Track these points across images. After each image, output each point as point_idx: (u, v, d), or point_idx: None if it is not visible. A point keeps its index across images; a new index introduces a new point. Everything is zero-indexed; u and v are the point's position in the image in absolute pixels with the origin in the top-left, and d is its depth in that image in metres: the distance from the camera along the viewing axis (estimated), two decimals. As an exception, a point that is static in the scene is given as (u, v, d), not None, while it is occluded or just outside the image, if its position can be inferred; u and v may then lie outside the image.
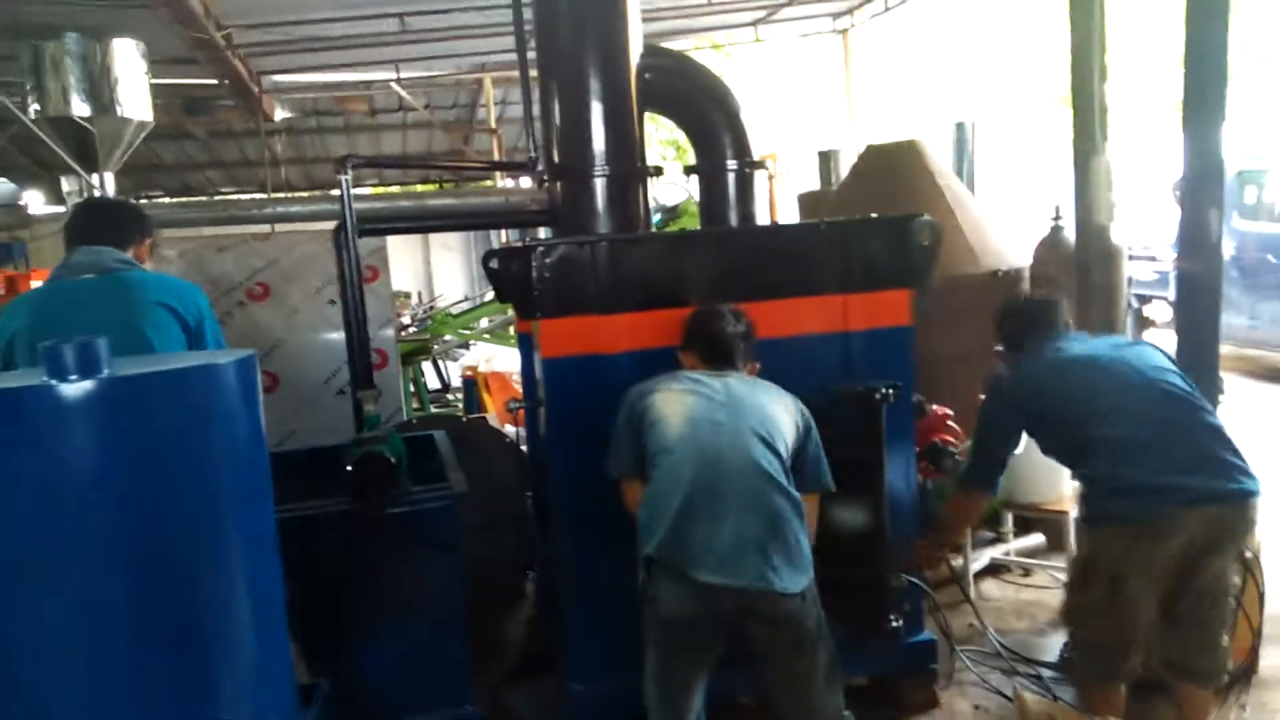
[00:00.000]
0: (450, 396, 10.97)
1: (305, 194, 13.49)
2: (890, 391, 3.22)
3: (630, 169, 3.86)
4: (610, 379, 3.14)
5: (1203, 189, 3.93)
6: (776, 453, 2.63)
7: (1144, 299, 10.13)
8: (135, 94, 5.94)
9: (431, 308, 12.66)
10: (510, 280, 3.30)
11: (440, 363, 11.06)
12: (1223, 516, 2.86)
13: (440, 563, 3.15)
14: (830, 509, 3.32)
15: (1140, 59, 16.69)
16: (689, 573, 2.50)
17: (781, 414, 2.74)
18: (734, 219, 3.99)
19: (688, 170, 4.18)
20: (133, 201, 3.06)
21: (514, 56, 4.23)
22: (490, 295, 11.13)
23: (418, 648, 3.14)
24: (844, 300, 3.37)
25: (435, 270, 19.44)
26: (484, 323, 9.51)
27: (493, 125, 12.20)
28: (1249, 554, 3.42)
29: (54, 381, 1.47)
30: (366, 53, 9.72)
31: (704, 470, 2.57)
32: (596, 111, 3.77)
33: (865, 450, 3.26)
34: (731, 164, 3.97)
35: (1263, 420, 7.49)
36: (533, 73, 4.10)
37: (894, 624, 3.37)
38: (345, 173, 3.38)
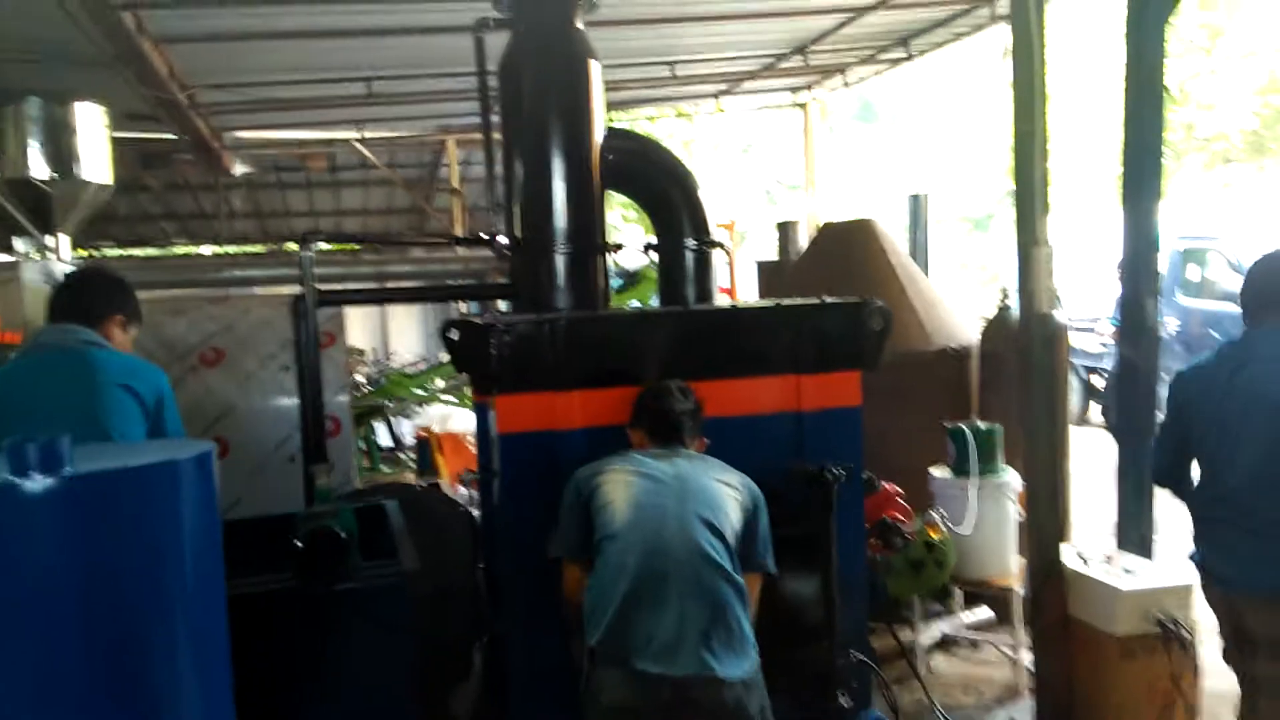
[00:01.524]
0: (403, 455, 10.87)
1: (262, 252, 13.41)
2: (842, 472, 3.27)
3: (591, 245, 3.92)
4: (566, 455, 3.17)
5: (1140, 274, 4.09)
6: (721, 537, 2.64)
7: (1091, 369, 10.40)
8: (95, 157, 5.92)
9: (386, 366, 12.59)
10: (469, 354, 3.32)
11: (392, 420, 10.98)
12: None
13: (389, 641, 3.11)
14: (781, 586, 3.35)
15: (1083, 131, 17.30)
16: (630, 662, 2.50)
17: (728, 495, 2.76)
18: (691, 295, 4.06)
19: (647, 248, 4.25)
20: (115, 276, 3.04)
21: (475, 119, 4.30)
22: (446, 357, 11.14)
23: (365, 722, 3.08)
24: (797, 380, 3.44)
25: (391, 326, 19.33)
26: (439, 383, 9.48)
27: (455, 185, 12.28)
28: (1186, 634, 3.51)
29: (16, 479, 1.47)
30: (331, 113, 9.78)
31: (648, 558, 2.58)
32: (559, 189, 3.83)
33: (817, 529, 3.30)
34: (689, 242, 4.06)
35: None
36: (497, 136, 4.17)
37: (843, 701, 3.38)
38: (308, 249, 3.40)
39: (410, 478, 8.76)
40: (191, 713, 1.67)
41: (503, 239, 4.05)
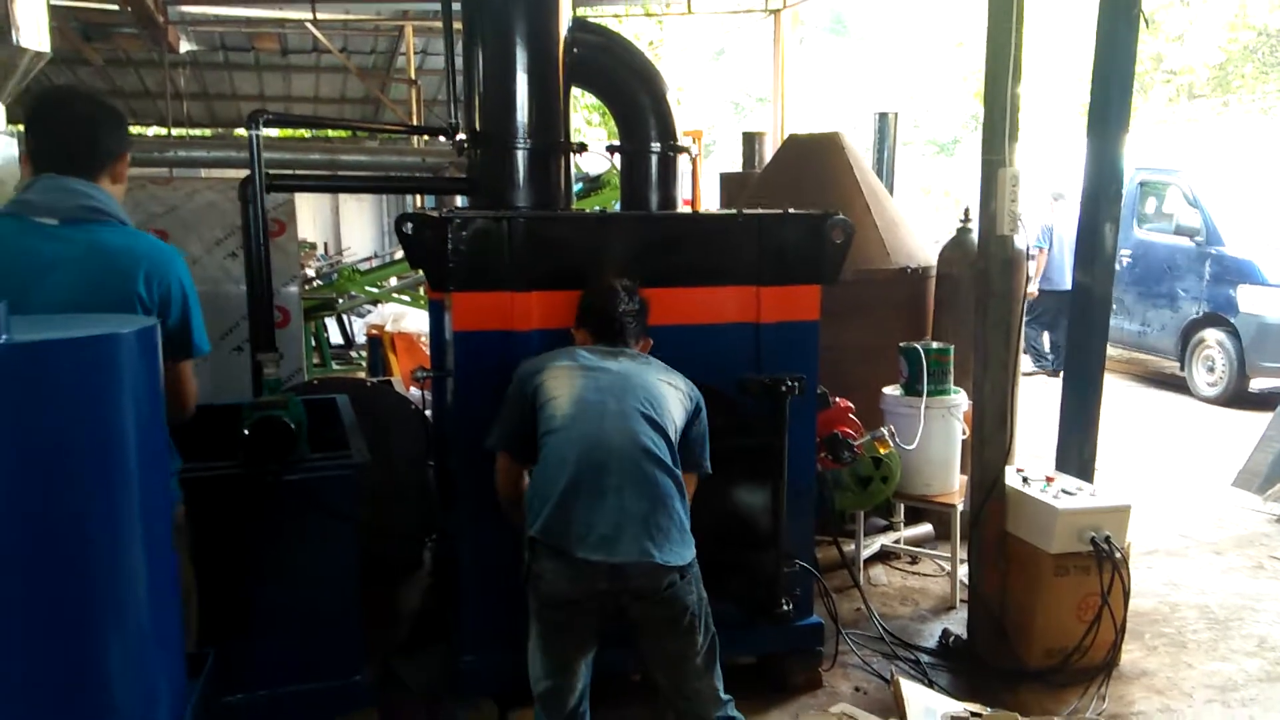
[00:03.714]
0: (354, 354, 10.76)
1: (209, 135, 12.94)
2: (796, 384, 3.28)
3: (553, 142, 3.80)
4: (521, 355, 3.12)
5: (1100, 201, 4.10)
6: (663, 432, 2.65)
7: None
8: (32, 22, 5.57)
9: (338, 261, 12.36)
10: (424, 249, 3.24)
11: (345, 318, 10.82)
12: None
13: (336, 531, 3.10)
14: (731, 493, 3.40)
15: (1051, 63, 17.19)
16: (570, 551, 2.52)
17: (669, 394, 2.76)
18: (655, 201, 3.98)
19: (611, 149, 4.14)
20: (107, 100, 2.58)
21: (437, 7, 4.10)
22: (400, 254, 10.94)
23: (310, 616, 3.09)
24: (756, 291, 3.41)
25: (344, 220, 18.93)
26: (393, 281, 9.32)
27: (412, 75, 11.89)
28: (1118, 554, 3.63)
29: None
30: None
31: (589, 451, 2.58)
32: (522, 81, 3.69)
33: (768, 440, 3.33)
34: (655, 145, 3.95)
35: (1144, 423, 7.91)
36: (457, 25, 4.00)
37: (785, 607, 3.46)
38: (256, 128, 3.25)
39: (361, 376, 8.68)
40: (133, 591, 1.64)
41: (461, 132, 3.91)
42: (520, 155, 3.74)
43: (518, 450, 2.82)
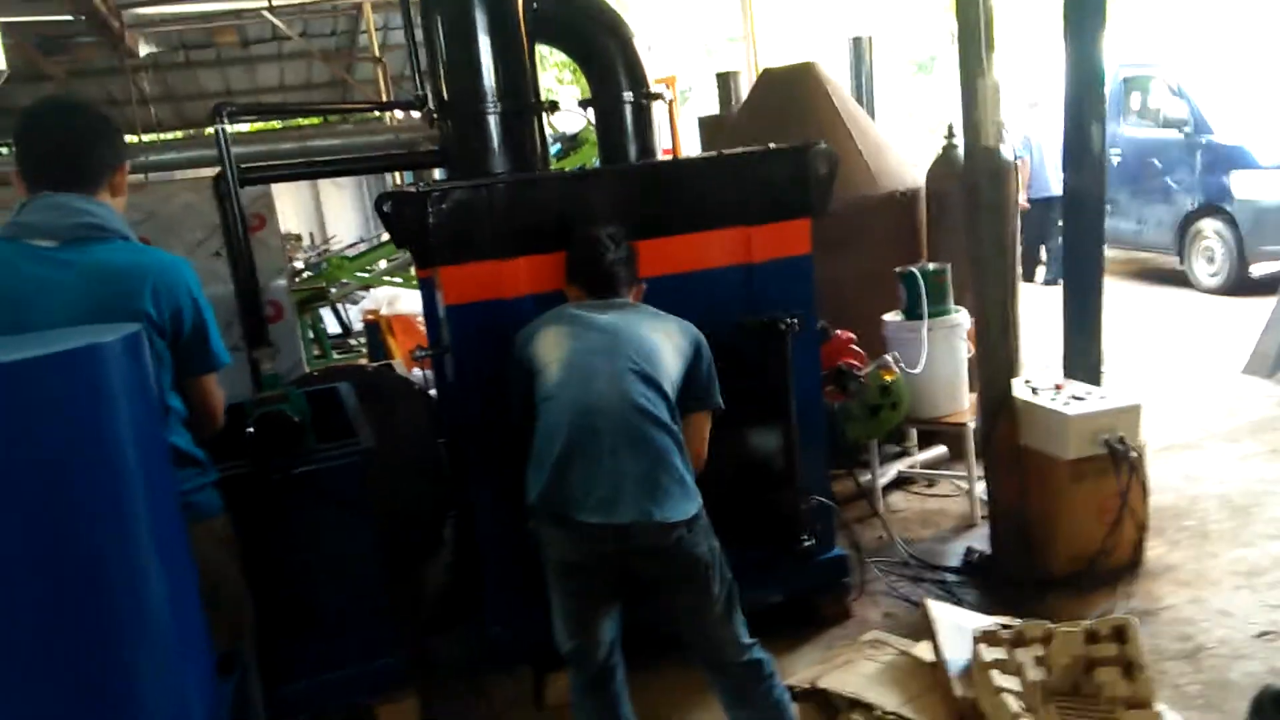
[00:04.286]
0: (353, 342, 10.71)
1: (180, 137, 12.79)
2: (795, 321, 3.25)
3: (524, 104, 3.74)
4: (515, 323, 3.08)
5: (1084, 100, 4.03)
6: (656, 386, 2.59)
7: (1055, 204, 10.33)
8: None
9: (325, 250, 12.27)
10: (406, 227, 3.20)
11: (340, 307, 10.76)
12: None
13: (352, 520, 3.10)
14: (742, 437, 3.39)
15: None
16: (570, 516, 2.50)
17: (663, 343, 2.69)
18: (632, 152, 3.93)
19: (584, 104, 4.08)
20: (95, 107, 2.47)
21: None
22: (385, 236, 10.85)
23: (336, 605, 3.11)
24: (745, 232, 3.37)
25: (326, 209, 18.80)
26: (382, 264, 9.25)
27: (376, 54, 11.71)
28: (1134, 453, 3.62)
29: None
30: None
31: (581, 415, 2.54)
32: (484, 44, 3.62)
33: (773, 380, 3.31)
34: (628, 95, 3.90)
35: (1148, 321, 7.88)
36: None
37: (807, 543, 3.48)
38: (222, 121, 3.19)
39: (363, 363, 8.65)
40: (154, 598, 1.63)
41: (430, 103, 3.85)
42: (492, 121, 3.70)
43: (530, 421, 2.78)
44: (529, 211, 3.20)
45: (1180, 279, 9.13)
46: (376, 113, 8.94)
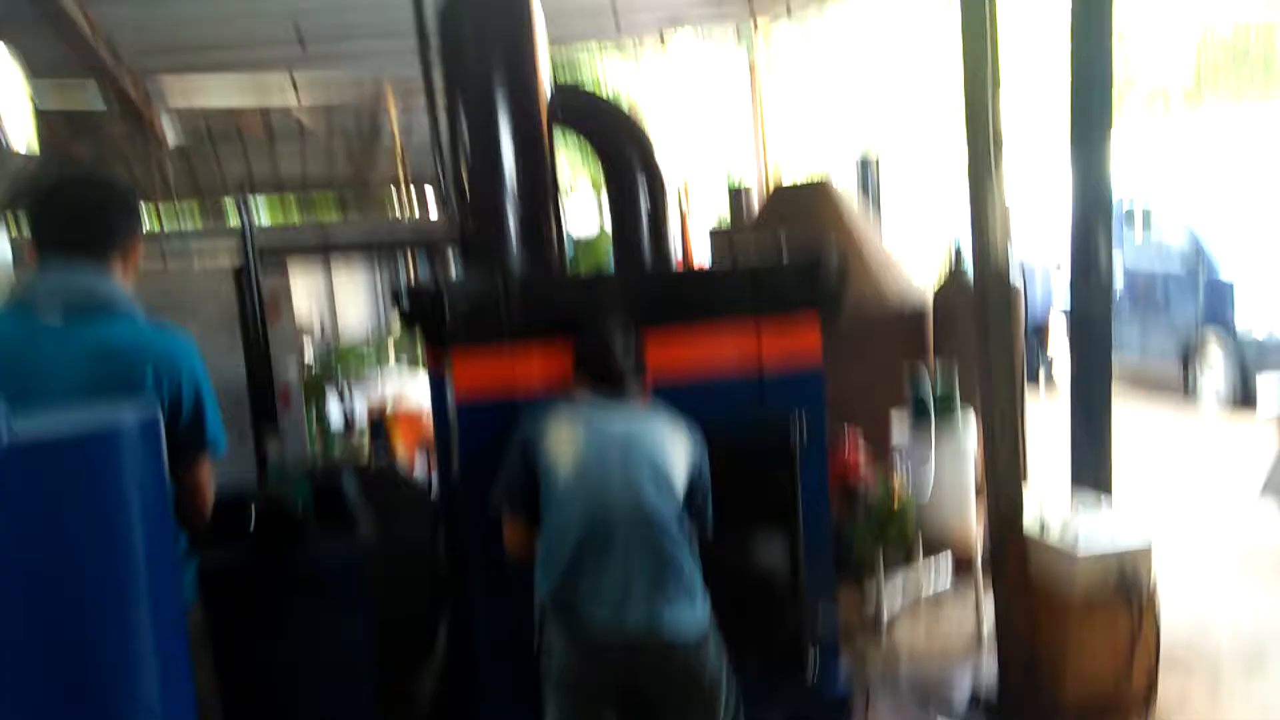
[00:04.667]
0: (356, 436, 10.69)
1: (201, 223, 13.05)
2: (804, 430, 3.24)
3: (543, 205, 3.81)
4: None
5: (1091, 224, 4.06)
6: (669, 491, 2.59)
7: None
8: (19, 124, 5.64)
9: (334, 342, 12.36)
10: (423, 319, 3.22)
11: (344, 400, 10.77)
12: None
13: (348, 616, 3.03)
14: (748, 548, 3.33)
15: (1028, 80, 17.41)
16: (579, 623, 2.46)
17: (675, 449, 2.69)
18: (647, 257, 3.98)
19: (602, 208, 4.15)
20: (117, 181, 2.46)
21: (417, 80, 4.16)
22: (397, 332, 10.94)
23: (325, 702, 3.01)
24: (757, 340, 3.38)
25: (339, 302, 18.97)
26: (391, 359, 9.32)
27: (398, 150, 12.01)
28: (1145, 591, 3.54)
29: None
30: (264, 64, 9.46)
31: (593, 515, 2.53)
32: (508, 147, 3.70)
33: (781, 489, 3.28)
34: (645, 202, 3.96)
35: (1153, 440, 7.83)
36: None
37: (811, 662, 3.38)
38: (244, 198, 3.24)
39: (362, 456, 8.60)
40: (148, 685, 1.59)
41: (453, 199, 3.92)
42: (511, 215, 3.75)
43: (523, 511, 2.74)
44: (545, 309, 3.23)
45: (1183, 400, 9.14)
46: (397, 198, 9.05)
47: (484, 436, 3.18)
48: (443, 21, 3.79)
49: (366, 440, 9.43)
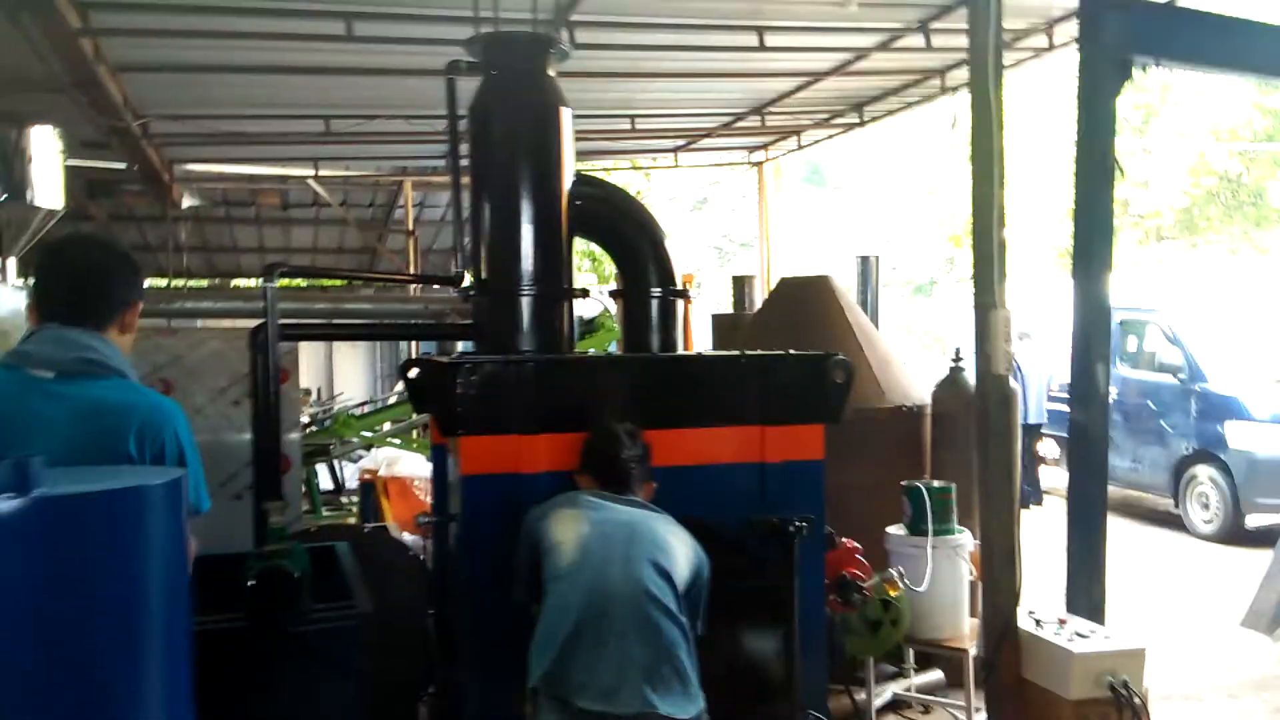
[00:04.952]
0: (344, 499, 10.63)
1: (210, 287, 13.20)
2: (804, 525, 3.27)
3: (557, 289, 3.90)
4: (529, 499, 3.11)
5: (1091, 341, 4.19)
6: (669, 580, 2.62)
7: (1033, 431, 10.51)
8: (47, 181, 5.78)
9: (330, 407, 12.37)
10: (433, 393, 3.27)
11: (336, 463, 10.75)
12: None
13: (339, 686, 3.01)
14: (741, 641, 3.32)
15: (1018, 205, 17.86)
16: (572, 701, 2.46)
17: (678, 546, 2.75)
18: (656, 344, 4.06)
19: (614, 294, 4.25)
20: (122, 246, 2.51)
21: (432, 162, 4.32)
22: (394, 398, 10.98)
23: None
24: (760, 432, 3.44)
25: (337, 366, 19.05)
26: (387, 426, 9.33)
27: (410, 227, 12.24)
28: (1138, 699, 3.54)
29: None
30: (286, 149, 9.72)
31: (592, 597, 2.56)
32: (527, 232, 3.81)
33: (778, 583, 3.29)
34: (655, 290, 4.06)
35: (1143, 562, 7.84)
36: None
37: (801, 762, 3.34)
38: (272, 280, 3.33)
39: (352, 522, 8.55)
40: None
41: (468, 280, 4.02)
42: (525, 302, 3.84)
43: (534, 600, 2.77)
44: (555, 391, 3.29)
45: (1175, 522, 9.15)
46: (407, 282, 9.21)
47: (487, 507, 3.21)
48: (473, 114, 3.95)
49: (356, 504, 9.39)
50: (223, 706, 2.79)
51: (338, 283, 13.53)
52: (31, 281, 2.38)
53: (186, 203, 11.76)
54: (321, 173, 10.76)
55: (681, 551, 2.73)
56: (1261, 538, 7.97)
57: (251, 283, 16.63)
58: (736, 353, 3.65)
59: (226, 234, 14.66)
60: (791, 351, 3.59)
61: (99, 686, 1.54)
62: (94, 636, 1.54)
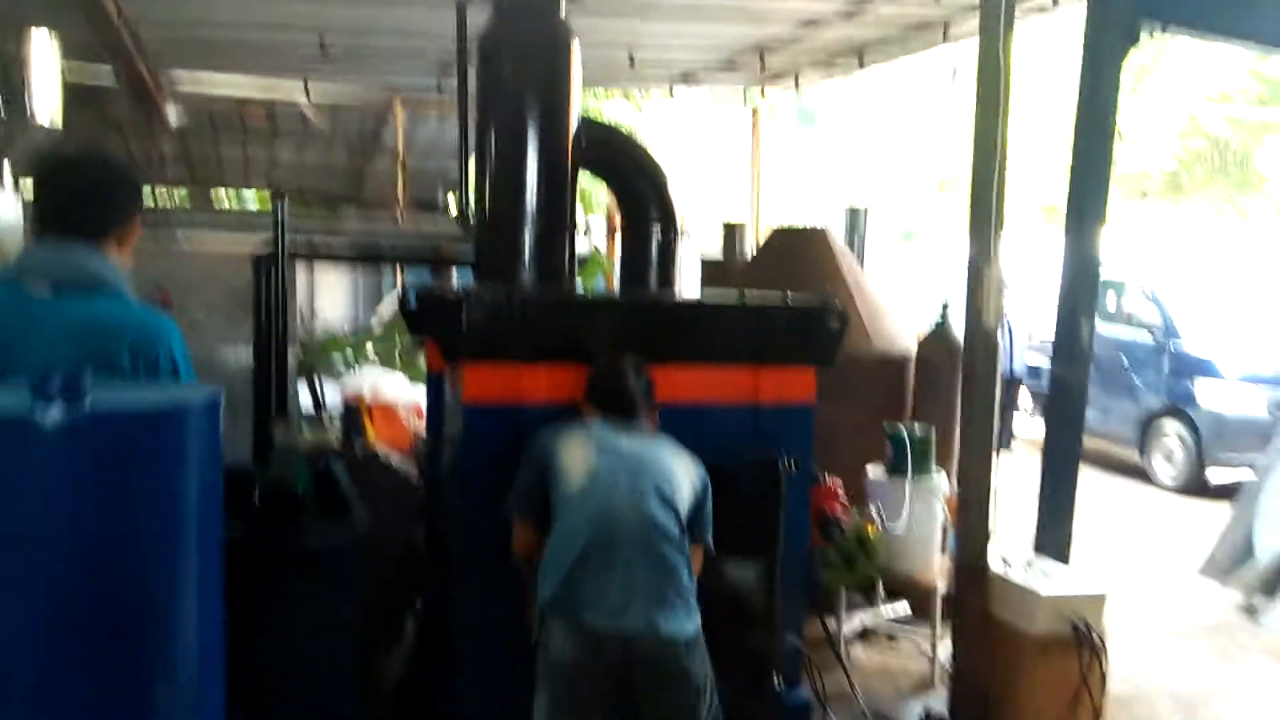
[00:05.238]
0: (326, 419, 10.71)
1: (208, 210, 13.04)
2: (794, 463, 3.40)
3: (560, 225, 3.97)
4: (526, 427, 3.22)
5: (1078, 297, 4.31)
6: (673, 509, 2.77)
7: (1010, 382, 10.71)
8: (47, 100, 5.68)
9: (313, 328, 12.37)
10: (438, 322, 3.35)
11: (318, 383, 10.80)
12: None
13: (340, 597, 3.13)
14: (728, 571, 3.48)
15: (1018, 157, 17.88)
16: (580, 619, 2.61)
17: (681, 473, 2.89)
18: (653, 284, 4.14)
19: (614, 233, 4.32)
20: (123, 163, 2.60)
21: (425, 83, 4.32)
22: (376, 323, 11.00)
23: (309, 681, 3.10)
24: (756, 373, 3.55)
25: (319, 288, 18.94)
26: (370, 350, 9.39)
27: (399, 151, 12.11)
28: (1098, 638, 3.74)
29: (35, 413, 1.49)
30: (279, 66, 9.55)
31: (601, 524, 2.69)
32: (533, 166, 3.87)
33: (766, 518, 3.43)
34: (656, 231, 4.13)
35: (1108, 511, 8.10)
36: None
37: (778, 684, 3.53)
38: (281, 201, 3.37)
39: (333, 442, 8.64)
40: (188, 647, 1.71)
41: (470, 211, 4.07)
42: (528, 235, 3.90)
43: (533, 516, 2.90)
44: (559, 325, 3.38)
45: (1140, 473, 9.43)
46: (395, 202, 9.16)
47: (487, 435, 3.31)
48: (483, 44, 3.95)
49: (338, 427, 9.49)
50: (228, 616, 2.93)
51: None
52: (31, 195, 2.36)
53: (173, 119, 11.57)
54: (312, 91, 10.59)
55: (685, 477, 2.87)
56: (1221, 491, 8.25)
57: (248, 196, 16.43)
58: (738, 296, 3.75)
59: (211, 148, 14.42)
60: (790, 297, 3.69)
61: (142, 598, 1.63)
62: (139, 547, 1.62)
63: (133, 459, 1.62)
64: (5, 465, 1.50)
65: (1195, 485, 8.80)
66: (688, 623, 2.66)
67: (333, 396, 10.76)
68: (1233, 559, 6.02)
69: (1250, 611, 5.61)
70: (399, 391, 8.63)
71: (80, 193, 2.25)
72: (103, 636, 1.61)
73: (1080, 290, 4.25)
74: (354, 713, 3.21)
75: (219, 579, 1.84)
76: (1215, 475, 8.84)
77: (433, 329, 3.41)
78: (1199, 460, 8.78)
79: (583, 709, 2.69)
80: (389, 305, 10.98)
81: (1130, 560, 6.68)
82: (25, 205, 4.76)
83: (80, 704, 1.58)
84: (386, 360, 9.06)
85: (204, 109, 12.31)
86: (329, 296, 19.33)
